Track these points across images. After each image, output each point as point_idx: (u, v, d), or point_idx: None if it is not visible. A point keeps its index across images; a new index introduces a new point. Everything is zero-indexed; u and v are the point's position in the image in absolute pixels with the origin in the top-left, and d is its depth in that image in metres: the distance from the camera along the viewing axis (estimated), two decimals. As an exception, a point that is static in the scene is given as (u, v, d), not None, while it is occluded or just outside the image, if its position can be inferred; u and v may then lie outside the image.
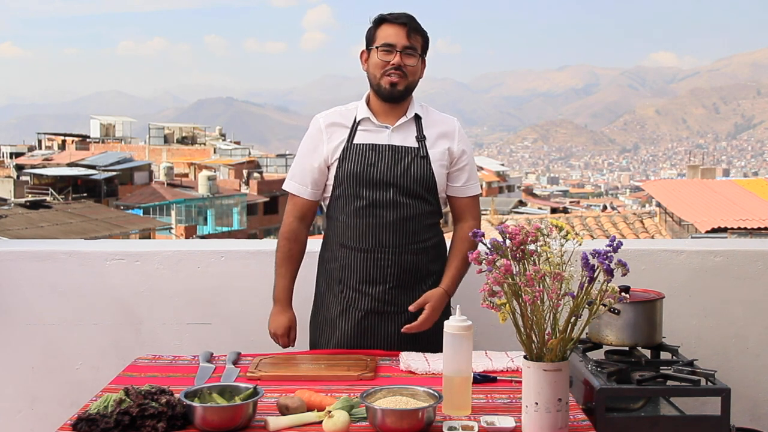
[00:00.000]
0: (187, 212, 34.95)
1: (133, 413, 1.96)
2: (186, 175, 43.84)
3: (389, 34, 2.71)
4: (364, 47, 2.81)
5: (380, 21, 2.75)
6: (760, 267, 3.39)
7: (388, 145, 2.74)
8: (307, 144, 2.82)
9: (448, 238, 2.89)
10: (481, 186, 3.03)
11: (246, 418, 1.99)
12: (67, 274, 3.36)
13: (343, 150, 2.75)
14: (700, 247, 3.43)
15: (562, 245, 1.95)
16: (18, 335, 3.36)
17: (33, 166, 40.36)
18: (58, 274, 3.35)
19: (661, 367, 2.71)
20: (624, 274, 1.94)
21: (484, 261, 1.96)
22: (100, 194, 35.50)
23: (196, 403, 1.99)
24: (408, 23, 2.72)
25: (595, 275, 1.92)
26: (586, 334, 2.83)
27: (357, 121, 2.78)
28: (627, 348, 2.78)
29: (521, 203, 43.08)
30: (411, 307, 2.71)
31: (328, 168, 2.77)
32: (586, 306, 1.95)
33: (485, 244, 1.99)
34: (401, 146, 2.74)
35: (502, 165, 70.86)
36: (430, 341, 2.71)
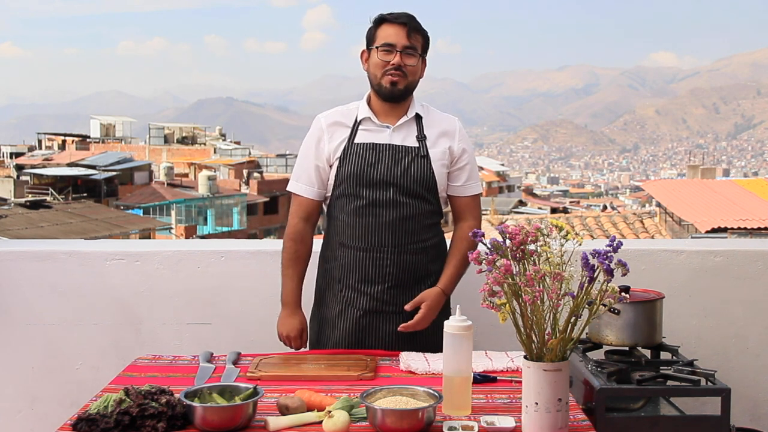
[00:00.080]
0: (187, 212, 34.95)
1: (133, 413, 1.96)
2: (186, 175, 43.85)
3: (389, 33, 2.71)
4: (364, 47, 2.81)
5: (380, 21, 2.75)
6: (760, 267, 3.39)
7: (389, 144, 2.74)
8: (309, 144, 2.82)
9: (448, 238, 2.88)
10: (482, 186, 3.03)
11: (246, 418, 1.99)
12: (67, 274, 3.36)
13: (344, 149, 2.75)
14: (700, 247, 3.43)
15: (562, 245, 1.95)
16: (18, 335, 3.36)
17: (33, 166, 40.36)
18: (58, 274, 3.35)
19: (661, 367, 2.71)
20: (624, 274, 1.94)
21: (484, 261, 1.96)
22: (100, 194, 35.50)
23: (196, 403, 1.99)
24: (408, 23, 2.72)
25: (595, 275, 1.92)
26: (586, 334, 2.83)
27: (358, 120, 2.79)
28: (627, 348, 2.78)
29: (521, 203, 43.08)
30: (407, 306, 2.71)
31: (330, 167, 2.78)
32: (586, 306, 1.95)
33: (485, 244, 1.99)
34: (402, 146, 2.74)
35: (502, 165, 70.87)
36: (429, 341, 2.71)
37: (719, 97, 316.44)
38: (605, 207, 42.99)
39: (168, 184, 37.92)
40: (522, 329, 1.97)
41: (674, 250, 3.40)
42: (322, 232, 2.95)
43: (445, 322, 2.15)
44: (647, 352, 2.86)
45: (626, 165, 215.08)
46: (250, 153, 52.56)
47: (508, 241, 1.96)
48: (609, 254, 1.92)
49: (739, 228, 14.56)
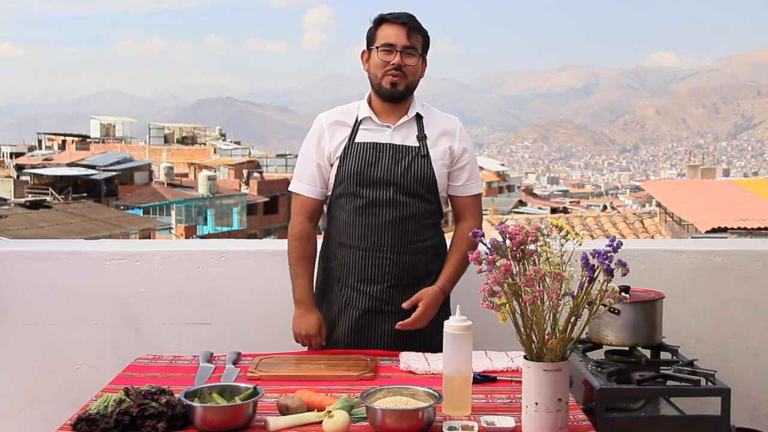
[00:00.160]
0: (187, 212, 34.95)
1: (133, 413, 1.96)
2: (186, 175, 43.85)
3: (389, 33, 2.72)
4: (364, 47, 2.81)
5: (380, 21, 2.75)
6: (760, 267, 3.39)
7: (389, 144, 2.74)
8: (310, 143, 2.82)
9: (448, 238, 2.88)
10: (482, 186, 3.03)
11: (246, 418, 1.99)
12: (67, 274, 3.35)
13: (345, 148, 2.75)
14: (700, 247, 3.43)
15: (562, 245, 1.95)
16: (18, 335, 3.36)
17: (33, 166, 40.35)
18: (58, 274, 3.35)
19: (661, 367, 2.71)
20: (624, 274, 1.94)
21: (484, 261, 1.96)
22: (100, 194, 35.50)
23: (196, 403, 1.99)
24: (408, 23, 2.72)
25: (595, 275, 1.92)
26: (586, 334, 2.83)
27: (359, 120, 2.79)
28: (627, 348, 2.78)
29: (521, 203, 43.08)
30: (405, 304, 2.71)
31: (331, 166, 2.78)
32: (586, 306, 1.95)
33: (485, 244, 1.99)
34: (402, 145, 2.74)
35: (502, 165, 70.87)
36: (429, 341, 2.71)
37: (719, 97, 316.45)
38: (605, 207, 43.00)
39: (168, 184, 37.91)
40: (522, 329, 1.97)
41: (674, 250, 3.40)
42: (322, 232, 2.95)
43: (445, 322, 2.15)
44: (647, 352, 2.86)
45: (626, 165, 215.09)
46: (250, 153, 52.56)
47: (508, 241, 1.96)
48: (609, 254, 1.92)
49: (739, 228, 14.56)
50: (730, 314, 3.39)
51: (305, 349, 2.88)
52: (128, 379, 2.43)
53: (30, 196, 31.68)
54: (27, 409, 3.37)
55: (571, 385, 2.17)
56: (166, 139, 53.98)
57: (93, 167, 37.92)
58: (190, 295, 3.36)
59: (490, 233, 1.99)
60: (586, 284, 1.93)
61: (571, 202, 55.49)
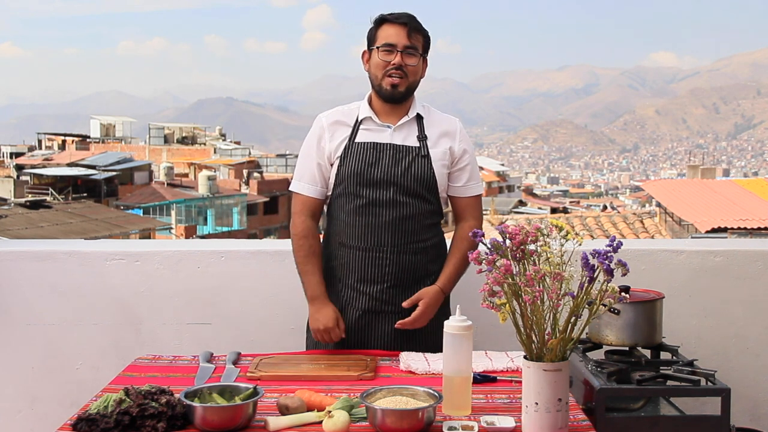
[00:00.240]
0: (187, 212, 34.95)
1: (133, 413, 1.96)
2: (186, 175, 43.85)
3: (390, 34, 2.72)
4: (365, 47, 2.81)
5: (381, 21, 2.75)
6: (760, 267, 3.39)
7: (390, 144, 2.74)
8: (310, 143, 2.82)
9: (449, 238, 2.88)
10: (482, 186, 3.03)
11: (246, 418, 1.99)
12: (67, 274, 3.35)
13: (345, 148, 2.75)
14: (700, 247, 3.43)
15: (562, 245, 1.95)
16: (18, 335, 3.36)
17: (33, 166, 40.36)
18: (58, 274, 3.35)
19: (661, 367, 2.71)
20: (624, 274, 1.94)
21: (484, 261, 1.96)
22: (100, 194, 35.50)
23: (196, 403, 1.99)
24: (409, 23, 2.72)
25: (595, 275, 1.92)
26: (586, 334, 2.83)
27: (359, 120, 2.79)
28: (627, 348, 2.78)
29: (521, 203, 43.08)
30: (405, 304, 2.71)
31: (331, 165, 2.78)
32: (586, 306, 1.95)
33: (485, 244, 1.99)
34: (402, 145, 2.74)
35: (502, 165, 70.87)
36: (429, 341, 2.71)
37: (719, 97, 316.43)
38: (605, 207, 43.00)
39: (168, 184, 37.92)
40: (522, 329, 1.97)
41: (674, 250, 3.40)
42: (322, 232, 2.94)
43: (445, 322, 2.15)
44: (647, 352, 2.86)
45: (626, 165, 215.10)
46: (250, 153, 52.56)
47: (508, 241, 1.96)
48: (609, 254, 1.92)
49: (739, 228, 14.56)
50: (730, 314, 3.39)
51: (305, 349, 2.88)
52: (128, 379, 2.43)
53: (30, 196, 31.69)
54: (27, 409, 3.37)
55: (571, 385, 2.17)
56: (166, 139, 53.98)
57: (93, 167, 37.93)
58: (190, 295, 3.36)
59: (490, 233, 1.99)
60: (586, 284, 1.93)
61: (571, 202, 55.49)
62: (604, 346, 2.84)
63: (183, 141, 54.87)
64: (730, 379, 2.96)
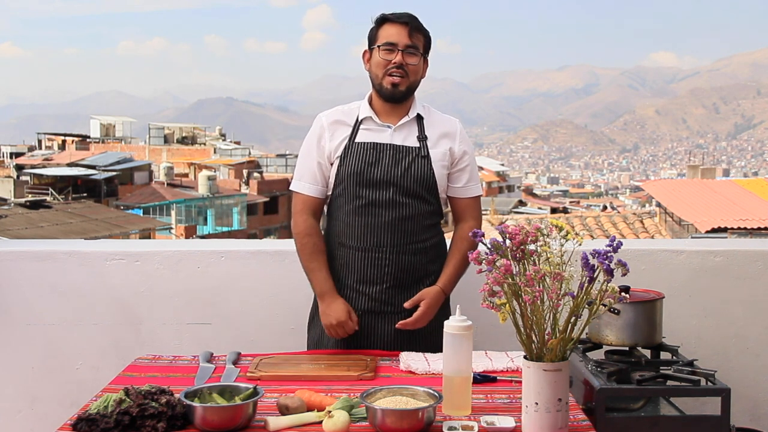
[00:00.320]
0: (187, 212, 34.95)
1: (133, 413, 1.96)
2: (186, 175, 43.85)
3: (391, 33, 2.72)
4: (365, 47, 2.81)
5: (382, 20, 2.76)
6: (760, 267, 3.39)
7: (390, 144, 2.74)
8: (310, 142, 2.82)
9: (448, 238, 2.88)
10: (482, 186, 3.03)
11: (246, 418, 1.99)
12: (67, 274, 3.36)
13: (345, 148, 2.75)
14: (700, 247, 3.43)
15: (562, 245, 1.95)
16: (18, 335, 3.36)
17: (33, 166, 40.35)
18: (58, 274, 3.35)
19: (661, 367, 2.71)
20: (624, 274, 1.94)
21: (484, 261, 1.96)
22: (100, 194, 35.50)
23: (196, 403, 1.99)
24: (410, 22, 2.72)
25: (595, 275, 1.92)
26: (586, 334, 2.83)
27: (359, 120, 2.79)
28: (627, 348, 2.78)
29: (521, 203, 43.07)
30: (406, 304, 2.71)
31: (331, 165, 2.78)
32: (586, 306, 1.95)
33: (485, 244, 1.99)
34: (402, 146, 2.74)
35: (502, 165, 70.87)
36: (429, 341, 2.71)
37: (719, 97, 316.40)
38: (605, 207, 42.98)
39: (168, 184, 37.92)
40: (522, 329, 1.97)
41: (674, 250, 3.40)
42: (322, 232, 2.94)
43: (445, 322, 2.15)
44: (647, 352, 2.86)
45: (626, 165, 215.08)
46: (250, 153, 52.56)
47: (508, 241, 1.96)
48: (609, 254, 1.92)
49: (739, 228, 14.56)
50: (730, 314, 3.39)
51: (305, 349, 2.88)
52: (128, 379, 2.43)
53: (30, 196, 31.69)
54: (27, 409, 3.37)
55: (571, 385, 2.17)
56: (166, 139, 53.98)
57: (93, 167, 37.93)
58: (190, 295, 3.36)
59: (490, 233, 1.99)
60: (586, 284, 1.93)
61: (571, 202, 55.49)
62: (604, 346, 2.84)
63: (183, 141, 54.87)
64: (730, 379, 2.96)
